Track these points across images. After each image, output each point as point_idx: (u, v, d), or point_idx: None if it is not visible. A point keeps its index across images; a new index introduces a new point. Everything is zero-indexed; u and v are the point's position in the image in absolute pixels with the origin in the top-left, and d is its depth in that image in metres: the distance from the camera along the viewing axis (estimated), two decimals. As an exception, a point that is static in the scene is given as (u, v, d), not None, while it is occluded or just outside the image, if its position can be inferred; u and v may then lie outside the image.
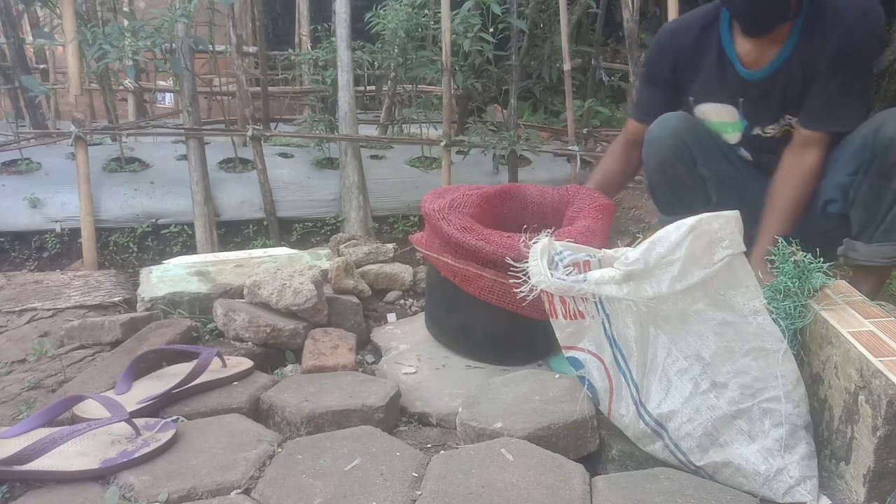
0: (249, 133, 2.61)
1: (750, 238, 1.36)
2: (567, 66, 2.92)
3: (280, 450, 1.21)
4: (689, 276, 1.14)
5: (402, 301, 2.10)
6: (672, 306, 1.17)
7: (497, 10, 2.70)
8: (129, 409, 1.27)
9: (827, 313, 1.29)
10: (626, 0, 2.93)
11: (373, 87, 3.75)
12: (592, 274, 1.19)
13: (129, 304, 1.92)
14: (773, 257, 1.36)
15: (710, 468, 1.19)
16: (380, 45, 3.10)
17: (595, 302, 1.22)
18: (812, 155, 1.65)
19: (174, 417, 1.29)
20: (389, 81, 3.29)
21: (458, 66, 2.91)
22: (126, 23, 2.45)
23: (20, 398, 1.39)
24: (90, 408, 1.29)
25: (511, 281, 1.30)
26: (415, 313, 2.04)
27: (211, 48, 3.06)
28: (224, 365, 1.49)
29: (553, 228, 1.63)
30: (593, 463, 1.28)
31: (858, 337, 1.18)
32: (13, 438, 1.17)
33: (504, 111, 3.66)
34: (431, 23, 2.96)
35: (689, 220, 1.15)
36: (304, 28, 4.69)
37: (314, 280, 1.74)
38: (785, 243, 1.37)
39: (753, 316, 1.18)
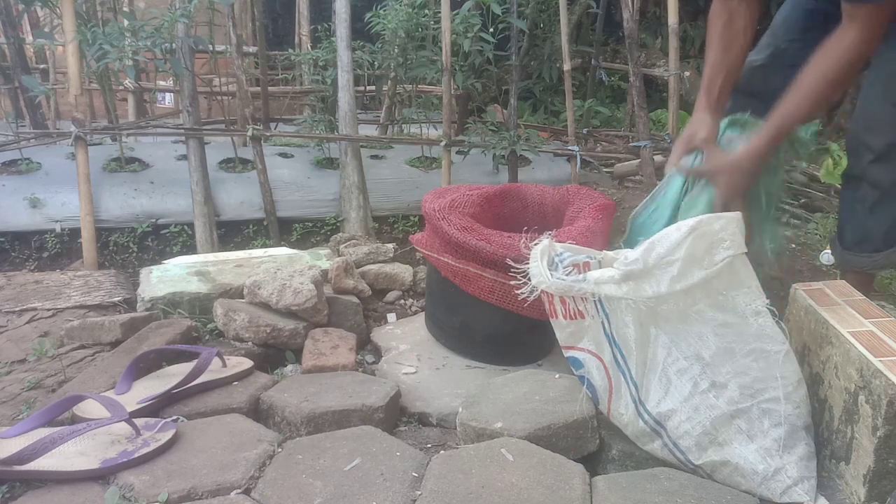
0: (249, 133, 2.61)
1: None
2: (567, 66, 2.92)
3: (280, 450, 1.21)
4: (689, 277, 1.14)
5: (402, 301, 2.10)
6: (673, 306, 1.17)
7: (497, 10, 2.70)
8: (129, 409, 1.27)
9: (827, 313, 1.29)
10: (626, 0, 2.93)
11: (373, 87, 3.75)
12: (592, 274, 1.19)
13: (129, 304, 1.92)
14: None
15: (709, 467, 1.19)
16: (380, 45, 3.10)
17: (595, 301, 1.22)
18: (848, 33, 1.38)
19: (174, 417, 1.29)
20: (389, 81, 3.29)
21: (458, 66, 2.90)
22: (126, 23, 2.44)
23: (20, 398, 1.39)
24: (90, 408, 1.29)
25: (512, 282, 1.30)
26: (415, 313, 2.04)
27: (211, 48, 3.05)
28: (224, 365, 1.49)
29: (553, 229, 1.63)
30: (593, 463, 1.28)
31: (858, 337, 1.18)
32: (13, 438, 1.17)
33: (504, 111, 3.66)
34: (431, 23, 2.96)
35: (690, 221, 1.15)
36: (304, 28, 4.69)
37: (314, 280, 1.74)
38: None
39: (755, 317, 1.18)
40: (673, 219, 1.58)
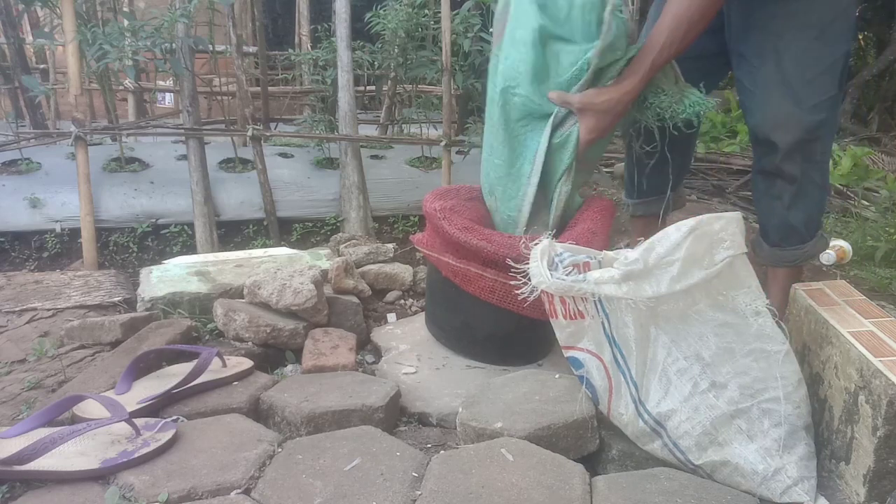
0: (249, 133, 2.61)
1: None
2: (567, 66, 2.91)
3: (280, 450, 1.21)
4: (688, 277, 1.14)
5: (402, 301, 2.10)
6: (673, 306, 1.18)
7: (497, 10, 2.70)
8: (129, 409, 1.27)
9: (827, 313, 1.29)
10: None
11: (373, 87, 3.75)
12: (592, 274, 1.19)
13: (129, 304, 1.92)
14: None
15: (709, 467, 1.19)
16: (380, 45, 3.10)
17: (594, 301, 1.22)
18: None
19: (174, 417, 1.29)
20: (389, 81, 3.29)
21: (458, 66, 2.90)
22: (126, 23, 2.44)
23: (20, 398, 1.39)
24: (90, 408, 1.29)
25: (512, 282, 1.30)
26: (415, 313, 2.04)
27: (211, 48, 3.05)
28: (224, 365, 1.49)
29: (553, 229, 1.63)
30: (593, 463, 1.28)
31: (858, 337, 1.18)
32: (13, 438, 1.17)
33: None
34: (431, 23, 2.96)
35: (690, 221, 1.15)
36: (304, 28, 4.70)
37: (314, 280, 1.74)
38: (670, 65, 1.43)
39: (755, 317, 1.18)
40: (545, 165, 1.55)
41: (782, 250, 1.61)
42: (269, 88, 3.81)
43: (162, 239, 2.49)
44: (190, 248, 2.46)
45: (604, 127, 1.49)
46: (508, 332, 1.64)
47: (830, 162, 1.59)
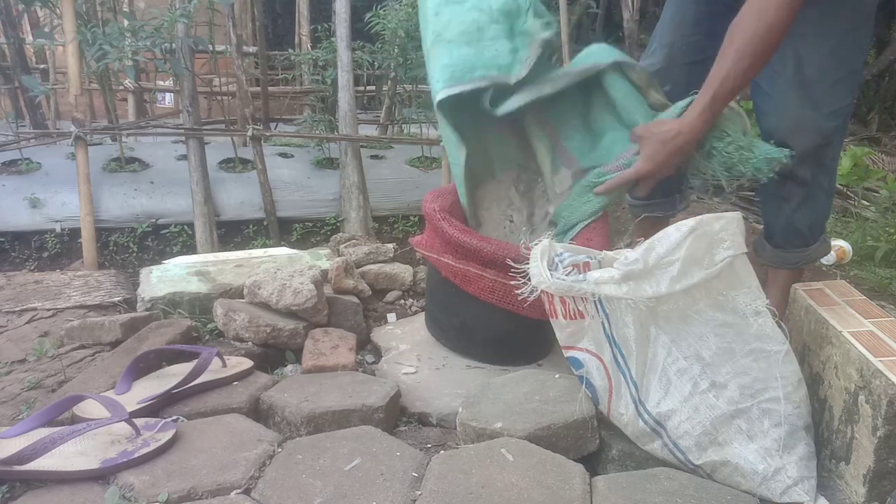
0: (249, 133, 2.61)
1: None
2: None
3: (280, 450, 1.21)
4: (689, 277, 1.15)
5: (402, 301, 2.10)
6: (673, 306, 1.18)
7: (497, 10, 2.70)
8: (129, 409, 1.27)
9: (827, 313, 1.29)
10: (626, 0, 2.93)
11: (373, 87, 3.75)
12: (592, 274, 1.20)
13: (129, 304, 1.92)
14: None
15: (709, 467, 1.19)
16: (380, 45, 3.10)
17: (594, 301, 1.22)
18: None
19: (174, 417, 1.29)
20: (389, 81, 3.29)
21: (458, 66, 2.90)
22: (126, 23, 2.45)
23: (20, 398, 1.39)
24: (90, 408, 1.29)
25: (512, 282, 1.30)
26: (415, 313, 2.04)
27: (211, 48, 3.05)
28: (224, 365, 1.49)
29: (553, 230, 1.63)
30: (593, 463, 1.28)
31: (858, 337, 1.19)
32: (13, 438, 1.17)
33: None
34: (431, 23, 2.95)
35: (690, 221, 1.15)
36: (304, 28, 4.70)
37: (314, 280, 1.74)
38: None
39: (755, 317, 1.18)
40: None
41: (785, 252, 1.62)
42: (269, 88, 3.81)
43: (162, 239, 2.49)
44: (190, 248, 2.46)
45: (661, 160, 1.43)
46: (508, 333, 1.64)
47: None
